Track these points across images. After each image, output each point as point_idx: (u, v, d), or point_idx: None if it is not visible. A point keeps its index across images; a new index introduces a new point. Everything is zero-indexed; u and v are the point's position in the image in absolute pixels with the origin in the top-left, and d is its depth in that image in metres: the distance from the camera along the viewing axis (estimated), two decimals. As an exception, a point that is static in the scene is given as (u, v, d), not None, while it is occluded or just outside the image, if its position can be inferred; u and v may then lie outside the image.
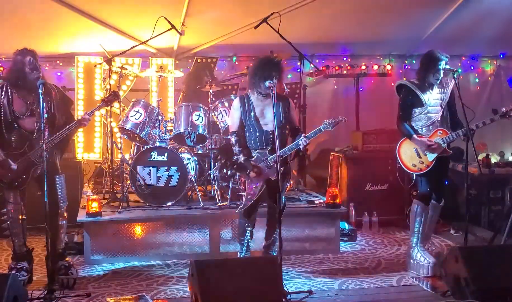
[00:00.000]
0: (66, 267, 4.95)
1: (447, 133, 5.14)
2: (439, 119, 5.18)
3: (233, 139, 5.11)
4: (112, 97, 5.15)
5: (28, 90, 4.76)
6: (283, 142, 5.07)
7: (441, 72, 5.13)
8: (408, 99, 5.24)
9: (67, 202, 5.08)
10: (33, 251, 5.13)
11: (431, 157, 5.15)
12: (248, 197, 5.06)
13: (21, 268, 4.85)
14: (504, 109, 5.04)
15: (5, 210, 4.88)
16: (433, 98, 5.19)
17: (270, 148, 4.98)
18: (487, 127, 5.10)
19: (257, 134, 5.04)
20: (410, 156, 5.23)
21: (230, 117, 5.29)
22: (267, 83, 4.81)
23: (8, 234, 4.95)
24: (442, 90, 5.22)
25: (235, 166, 5.14)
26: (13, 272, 4.75)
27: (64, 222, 5.07)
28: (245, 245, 5.20)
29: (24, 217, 4.90)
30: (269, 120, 4.94)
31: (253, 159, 5.03)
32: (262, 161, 5.01)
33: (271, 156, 4.95)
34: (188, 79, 7.38)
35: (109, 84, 6.81)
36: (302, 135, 5.01)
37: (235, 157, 5.08)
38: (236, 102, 5.16)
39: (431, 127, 5.18)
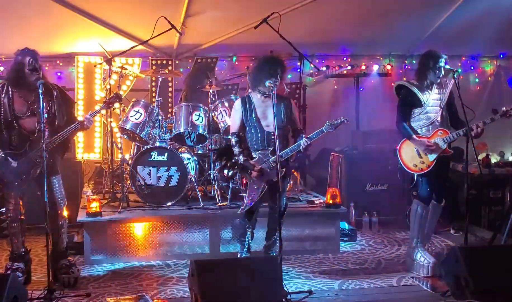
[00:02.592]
0: (67, 266, 4.94)
1: (448, 133, 5.13)
2: (439, 119, 5.18)
3: (233, 140, 5.10)
4: (114, 99, 5.14)
5: (28, 90, 4.74)
6: (285, 143, 5.07)
7: (442, 69, 5.13)
8: (407, 100, 5.24)
9: (65, 201, 5.08)
10: (33, 251, 5.13)
11: (432, 157, 5.14)
12: (250, 198, 5.05)
13: (16, 269, 4.82)
14: (504, 108, 5.04)
15: (4, 209, 4.88)
16: (432, 98, 5.18)
17: (271, 149, 4.97)
18: (487, 127, 5.10)
19: (259, 135, 5.04)
20: (411, 156, 5.22)
21: (231, 117, 5.26)
22: (269, 82, 4.80)
23: (7, 233, 4.94)
24: (441, 90, 5.22)
25: (236, 167, 5.13)
26: (8, 272, 4.72)
27: (65, 222, 5.07)
28: (246, 246, 5.21)
29: (23, 217, 4.90)
30: (270, 121, 4.91)
31: (255, 160, 5.02)
32: (264, 162, 5.00)
33: (273, 157, 4.93)
34: (188, 79, 7.37)
35: (109, 84, 6.80)
36: (304, 136, 5.01)
37: (236, 158, 5.07)
38: (238, 103, 5.15)
39: (430, 127, 5.18)
